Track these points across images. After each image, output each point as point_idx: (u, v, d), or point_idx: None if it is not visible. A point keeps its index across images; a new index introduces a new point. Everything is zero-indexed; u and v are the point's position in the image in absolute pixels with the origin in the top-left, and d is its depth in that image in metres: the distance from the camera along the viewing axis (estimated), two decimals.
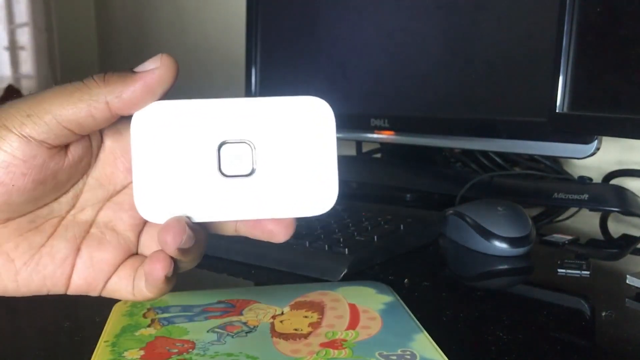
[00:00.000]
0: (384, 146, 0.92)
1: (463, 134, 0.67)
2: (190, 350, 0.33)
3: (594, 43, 0.48)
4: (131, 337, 0.35)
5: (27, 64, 3.59)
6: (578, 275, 0.49)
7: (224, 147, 0.28)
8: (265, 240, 0.29)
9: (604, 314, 0.42)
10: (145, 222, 0.31)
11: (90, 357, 0.32)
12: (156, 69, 0.26)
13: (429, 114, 0.71)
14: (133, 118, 0.27)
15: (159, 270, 0.27)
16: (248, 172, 0.28)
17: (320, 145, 0.28)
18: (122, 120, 0.28)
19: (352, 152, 0.98)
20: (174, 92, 0.28)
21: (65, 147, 0.27)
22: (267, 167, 0.28)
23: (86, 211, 0.30)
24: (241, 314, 0.38)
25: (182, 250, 0.27)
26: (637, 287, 0.45)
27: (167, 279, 0.28)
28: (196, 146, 0.28)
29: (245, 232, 0.30)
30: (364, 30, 0.78)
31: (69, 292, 0.30)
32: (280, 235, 0.29)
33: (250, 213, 0.28)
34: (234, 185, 0.28)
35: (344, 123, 0.81)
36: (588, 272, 0.49)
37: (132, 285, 0.30)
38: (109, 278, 0.30)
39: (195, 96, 0.28)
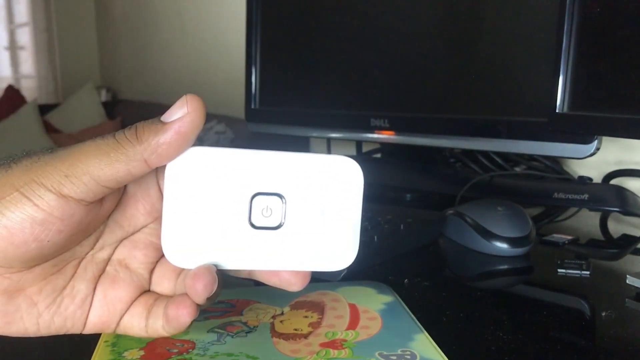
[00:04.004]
0: (384, 146, 0.92)
1: (463, 134, 0.67)
2: (190, 350, 0.33)
3: (594, 43, 0.48)
4: (131, 337, 0.35)
5: (27, 64, 3.60)
6: (578, 275, 0.49)
7: (256, 199, 0.28)
8: (280, 287, 0.30)
9: (604, 314, 0.42)
10: (158, 260, 0.31)
11: (90, 357, 0.32)
12: (186, 116, 0.26)
13: (429, 114, 0.71)
14: (168, 164, 0.27)
15: (186, 316, 0.28)
16: (277, 224, 0.29)
17: (347, 204, 0.29)
18: None
19: (352, 152, 0.98)
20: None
21: (100, 199, 0.27)
22: (294, 221, 0.29)
23: (104, 250, 0.30)
24: (241, 314, 0.38)
25: (208, 298, 0.28)
26: (637, 287, 0.45)
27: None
28: (229, 195, 0.28)
29: (260, 278, 0.30)
30: (364, 30, 0.78)
31: (85, 332, 0.30)
32: (297, 286, 0.30)
33: (273, 264, 0.29)
34: (261, 237, 0.29)
35: (344, 123, 0.81)
36: (588, 272, 0.49)
37: (144, 322, 0.30)
38: (123, 316, 0.30)
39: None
